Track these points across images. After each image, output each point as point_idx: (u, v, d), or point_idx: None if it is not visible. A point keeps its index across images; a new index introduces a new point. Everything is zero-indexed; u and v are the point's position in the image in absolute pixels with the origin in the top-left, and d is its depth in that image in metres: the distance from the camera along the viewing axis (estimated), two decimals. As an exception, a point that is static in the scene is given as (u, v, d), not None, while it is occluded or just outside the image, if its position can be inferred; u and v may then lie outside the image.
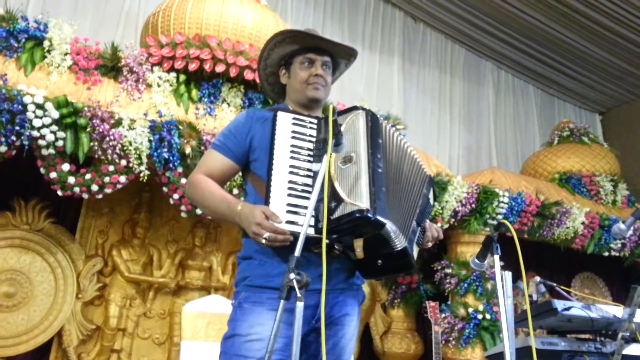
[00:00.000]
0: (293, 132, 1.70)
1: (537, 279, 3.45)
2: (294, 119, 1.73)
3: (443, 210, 4.74)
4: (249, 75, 4.29)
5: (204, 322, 2.98)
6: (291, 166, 1.65)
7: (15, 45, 3.80)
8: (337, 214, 1.54)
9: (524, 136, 8.43)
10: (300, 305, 1.30)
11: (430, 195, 1.89)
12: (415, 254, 1.68)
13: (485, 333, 4.65)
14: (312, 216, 1.51)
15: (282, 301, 1.30)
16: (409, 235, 1.64)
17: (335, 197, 1.57)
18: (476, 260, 1.90)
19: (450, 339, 4.70)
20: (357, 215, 1.51)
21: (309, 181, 1.63)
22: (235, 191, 3.84)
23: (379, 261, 1.62)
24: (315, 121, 1.75)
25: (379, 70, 7.33)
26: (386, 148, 1.72)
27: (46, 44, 3.87)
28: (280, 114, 1.72)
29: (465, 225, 4.97)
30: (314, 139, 1.71)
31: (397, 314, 5.19)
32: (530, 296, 5.64)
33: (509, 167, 7.73)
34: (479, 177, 5.57)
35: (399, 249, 1.58)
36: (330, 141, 1.48)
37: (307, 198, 1.55)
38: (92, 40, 4.28)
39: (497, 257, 1.76)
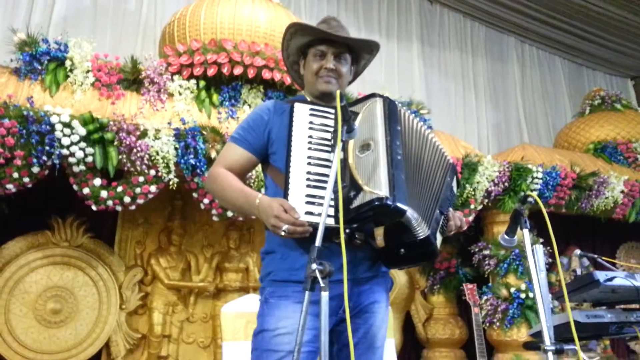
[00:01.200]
0: (310, 122, 1.69)
1: (578, 252, 3.35)
2: (311, 109, 1.72)
3: (475, 192, 4.66)
4: (267, 74, 4.30)
5: (243, 322, 3.00)
6: (309, 157, 1.64)
7: (39, 67, 3.90)
8: (356, 203, 1.52)
9: (554, 109, 8.22)
10: (325, 295, 1.30)
11: (454, 184, 1.85)
12: (438, 242, 1.65)
13: (529, 312, 4.56)
14: (331, 206, 1.50)
15: (307, 292, 1.30)
16: (432, 223, 1.62)
17: (354, 186, 1.55)
18: (505, 237, 1.85)
19: (495, 320, 4.63)
20: (376, 203, 1.49)
21: (327, 171, 1.62)
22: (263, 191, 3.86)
23: (402, 250, 1.59)
24: (332, 111, 1.73)
25: (398, 57, 7.25)
26: (405, 135, 1.70)
27: (68, 63, 3.96)
28: (297, 105, 1.71)
29: (500, 205, 4.87)
30: (331, 129, 1.69)
31: (437, 300, 5.15)
32: (574, 270, 5.53)
33: (541, 142, 7.56)
34: (510, 155, 5.46)
35: (422, 237, 1.56)
36: (340, 129, 1.47)
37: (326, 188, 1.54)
38: (114, 55, 4.37)
39: (526, 231, 1.71)
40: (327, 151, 1.66)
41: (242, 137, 1.82)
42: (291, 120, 1.68)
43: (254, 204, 1.63)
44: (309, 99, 1.89)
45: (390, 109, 1.71)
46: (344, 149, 1.62)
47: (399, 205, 1.51)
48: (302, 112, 1.70)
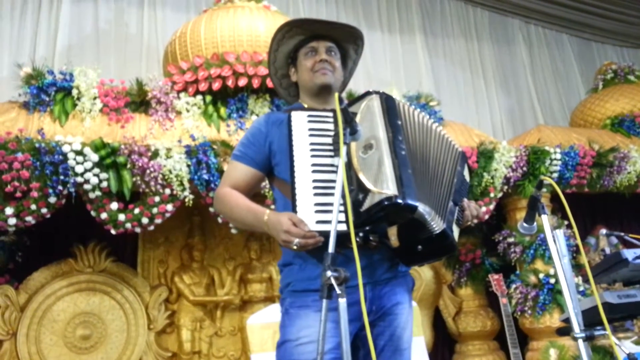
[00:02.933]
0: (310, 129, 1.66)
1: (604, 231, 3.28)
2: (309, 116, 1.69)
3: (494, 179, 4.59)
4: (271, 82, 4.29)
5: (270, 332, 3.00)
6: (313, 164, 1.62)
7: (47, 99, 3.95)
8: (366, 206, 1.50)
9: (566, 87, 8.07)
10: (342, 301, 1.27)
11: (465, 172, 1.81)
12: (456, 234, 1.62)
13: (560, 297, 4.46)
14: (342, 211, 1.47)
15: (324, 301, 1.28)
16: (447, 216, 1.58)
17: (361, 188, 1.53)
18: (524, 224, 1.80)
19: (526, 308, 4.54)
20: (386, 203, 1.47)
21: (333, 177, 1.59)
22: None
23: (419, 247, 1.57)
24: (330, 114, 1.71)
25: (402, 51, 7.19)
26: (407, 129, 1.67)
27: (75, 92, 4.00)
28: (294, 113, 1.68)
29: (520, 191, 4.79)
30: (332, 133, 1.67)
31: (466, 293, 5.07)
32: (603, 250, 5.41)
33: (557, 122, 7.43)
34: (526, 138, 5.37)
35: (438, 232, 1.53)
36: (341, 132, 1.44)
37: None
38: (120, 79, 4.40)
39: (545, 217, 1.66)
40: (330, 156, 1.63)
41: (243, 154, 1.81)
42: (290, 129, 1.65)
43: (262, 221, 1.62)
44: (305, 106, 1.87)
45: (388, 105, 1.68)
46: (347, 152, 1.59)
47: (409, 202, 1.48)
48: (300, 120, 1.67)
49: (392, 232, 1.54)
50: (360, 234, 1.52)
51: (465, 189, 1.76)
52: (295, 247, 1.50)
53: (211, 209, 3.94)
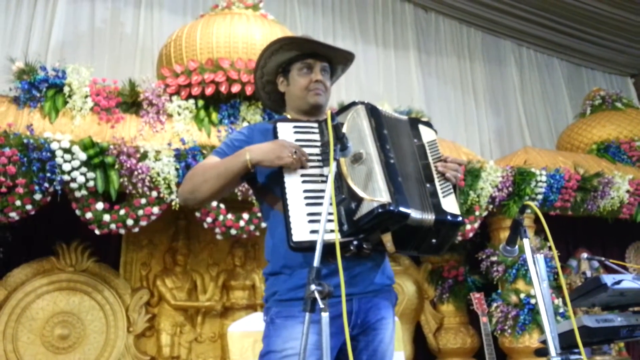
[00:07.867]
0: (297, 140, 1.67)
1: (585, 255, 3.32)
2: (295, 127, 1.71)
3: (479, 198, 4.63)
4: (264, 91, 4.31)
5: (250, 341, 2.99)
6: (303, 175, 1.63)
7: (38, 95, 3.94)
8: (359, 214, 1.52)
9: (555, 111, 8.20)
10: (325, 316, 1.28)
11: (423, 132, 1.80)
12: (452, 204, 1.65)
13: (540, 317, 4.49)
14: (331, 221, 1.48)
15: (307, 314, 1.28)
16: (431, 202, 1.62)
17: (354, 197, 1.55)
18: (507, 247, 1.83)
19: (506, 327, 4.58)
20: (380, 210, 1.49)
21: (324, 187, 1.60)
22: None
23: (433, 240, 1.62)
24: (315, 125, 1.72)
25: (396, 67, 7.26)
26: (392, 137, 1.69)
27: (66, 89, 4.00)
28: (279, 125, 1.70)
29: (505, 210, 4.84)
30: (318, 143, 1.69)
31: (447, 309, 5.10)
32: (584, 273, 5.47)
33: (543, 145, 7.53)
34: (513, 159, 5.44)
35: (434, 222, 1.58)
36: (332, 148, 1.46)
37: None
38: (112, 78, 4.39)
39: (526, 241, 1.69)
40: (319, 167, 1.65)
41: (223, 152, 1.78)
42: (276, 140, 1.67)
43: (243, 153, 1.64)
44: (290, 117, 1.88)
45: (374, 115, 1.70)
46: (337, 164, 1.60)
47: (402, 209, 1.51)
48: (286, 131, 1.69)
49: (387, 239, 1.56)
50: (355, 242, 1.54)
51: (434, 150, 1.77)
52: (289, 155, 1.56)
53: (197, 214, 3.93)
